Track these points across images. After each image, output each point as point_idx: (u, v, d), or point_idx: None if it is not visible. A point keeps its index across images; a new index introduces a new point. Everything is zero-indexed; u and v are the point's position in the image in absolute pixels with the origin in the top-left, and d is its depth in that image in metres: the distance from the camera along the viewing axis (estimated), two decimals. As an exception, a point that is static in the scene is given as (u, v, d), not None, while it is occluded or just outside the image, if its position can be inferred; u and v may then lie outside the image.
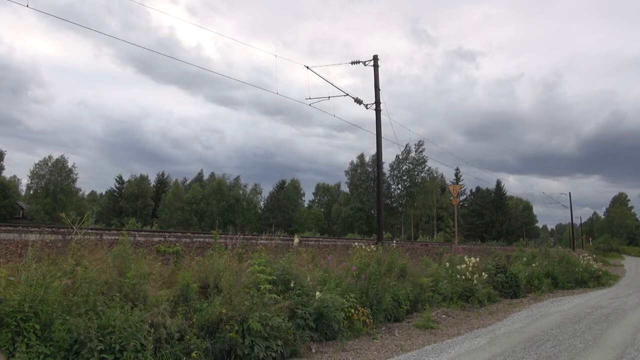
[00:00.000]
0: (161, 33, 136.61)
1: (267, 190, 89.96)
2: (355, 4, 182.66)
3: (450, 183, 75.56)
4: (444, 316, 10.63)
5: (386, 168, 71.19)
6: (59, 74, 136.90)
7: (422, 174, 71.23)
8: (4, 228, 9.45)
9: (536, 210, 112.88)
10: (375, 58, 16.87)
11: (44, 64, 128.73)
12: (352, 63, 17.04)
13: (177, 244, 9.97)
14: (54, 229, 10.10)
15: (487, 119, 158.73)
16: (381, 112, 16.70)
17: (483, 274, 13.46)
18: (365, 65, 16.95)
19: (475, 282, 12.96)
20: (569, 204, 56.61)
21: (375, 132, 16.71)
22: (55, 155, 70.51)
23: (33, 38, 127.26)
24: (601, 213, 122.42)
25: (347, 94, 16.90)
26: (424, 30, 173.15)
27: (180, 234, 14.17)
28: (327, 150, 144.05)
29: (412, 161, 70.86)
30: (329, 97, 17.09)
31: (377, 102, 16.72)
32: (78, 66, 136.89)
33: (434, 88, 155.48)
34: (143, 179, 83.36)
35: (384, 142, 16.98)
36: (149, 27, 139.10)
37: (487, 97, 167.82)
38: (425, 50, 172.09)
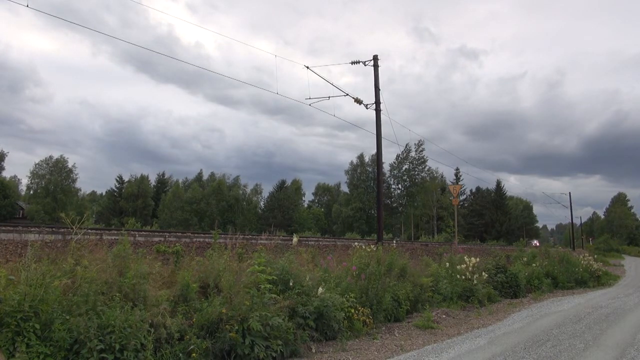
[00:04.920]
0: (160, 31, 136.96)
1: (267, 190, 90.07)
2: (357, 2, 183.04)
3: (450, 183, 75.56)
4: (444, 316, 10.62)
5: (386, 168, 71.30)
6: (57, 72, 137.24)
7: (422, 174, 71.32)
8: (4, 228, 9.45)
9: (536, 210, 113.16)
10: (375, 58, 16.86)
11: (41, 62, 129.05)
12: (352, 63, 17.04)
13: (177, 244, 9.96)
14: (53, 228, 10.09)
15: (488, 118, 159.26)
16: (381, 112, 16.71)
17: (483, 274, 13.45)
18: (365, 65, 16.95)
19: (475, 282, 12.95)
20: (569, 204, 56.58)
21: (375, 132, 16.72)
22: (55, 155, 70.68)
23: (30, 36, 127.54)
24: (602, 213, 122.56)
25: (347, 94, 16.91)
26: (427, 28, 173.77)
27: (180, 234, 14.16)
28: (328, 150, 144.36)
29: (412, 161, 70.91)
30: (329, 97, 17.11)
31: (377, 102, 16.72)
32: (76, 64, 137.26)
33: (436, 87, 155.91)
34: (143, 179, 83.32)
35: (384, 142, 17.00)
36: (147, 25, 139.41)
37: (489, 96, 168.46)
38: (427, 48, 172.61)
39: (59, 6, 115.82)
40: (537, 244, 48.70)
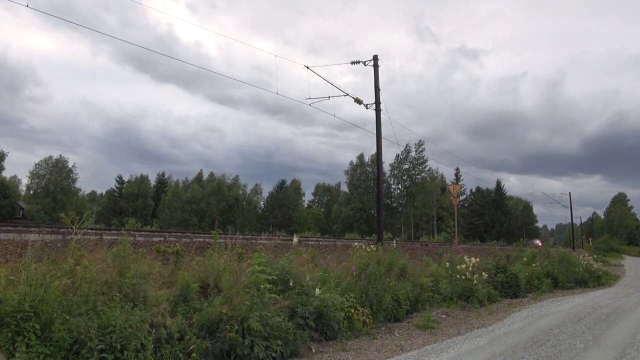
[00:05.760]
0: (160, 30, 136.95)
1: (267, 190, 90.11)
2: (358, 1, 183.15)
3: (451, 183, 75.52)
4: (444, 316, 10.62)
5: (386, 168, 71.26)
6: (56, 72, 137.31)
7: (423, 174, 71.27)
8: (4, 228, 9.44)
9: (536, 210, 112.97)
10: (375, 58, 16.86)
11: (41, 62, 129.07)
12: (352, 63, 17.03)
13: (177, 244, 9.95)
14: (53, 228, 10.08)
15: (489, 118, 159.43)
16: (381, 112, 16.70)
17: (483, 274, 13.45)
18: (365, 65, 16.95)
19: (475, 282, 12.95)
20: (569, 204, 56.51)
21: (375, 132, 16.71)
22: (54, 154, 70.67)
23: (30, 35, 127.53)
24: (602, 213, 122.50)
25: (347, 94, 16.90)
26: (427, 28, 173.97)
27: (180, 234, 14.14)
28: (328, 150, 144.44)
29: (412, 161, 70.89)
30: (329, 97, 17.09)
31: (377, 102, 16.71)
32: (76, 64, 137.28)
33: (437, 86, 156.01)
34: (143, 179, 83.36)
35: (384, 142, 16.99)
36: (147, 24, 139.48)
37: (490, 95, 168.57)
38: (428, 47, 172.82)
39: (59, 6, 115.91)
40: (540, 244, 48.41)
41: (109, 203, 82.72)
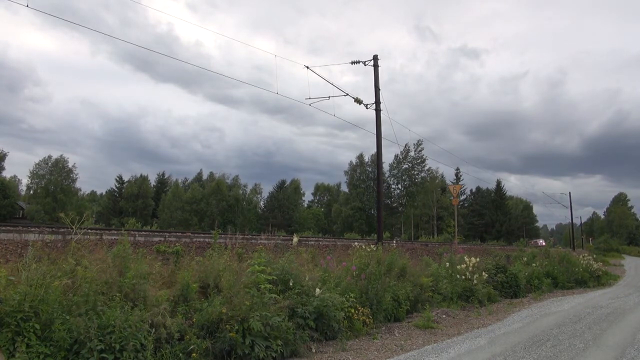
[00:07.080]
0: (160, 29, 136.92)
1: (267, 190, 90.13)
2: (359, 0, 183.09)
3: (451, 183, 75.47)
4: (444, 316, 10.62)
5: (386, 168, 71.28)
6: (56, 71, 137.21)
7: (422, 174, 71.30)
8: (4, 228, 9.43)
9: (536, 210, 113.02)
10: (375, 58, 16.86)
11: (40, 61, 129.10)
12: (352, 63, 17.03)
13: (177, 244, 9.95)
14: (54, 229, 10.07)
15: (490, 117, 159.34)
16: (381, 111, 16.70)
17: (483, 273, 13.44)
18: (365, 65, 16.95)
19: (475, 282, 12.95)
20: (569, 204, 56.46)
21: (375, 132, 16.71)
22: (54, 154, 70.65)
23: (29, 35, 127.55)
24: (602, 213, 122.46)
25: (347, 94, 16.90)
26: (428, 27, 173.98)
27: (180, 234, 14.13)
28: (328, 150, 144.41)
29: (411, 161, 70.89)
30: (329, 97, 17.08)
31: (377, 102, 16.71)
32: (75, 64, 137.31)
33: (437, 86, 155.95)
34: (144, 179, 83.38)
35: (384, 142, 16.99)
36: (147, 24, 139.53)
37: (491, 95, 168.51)
38: (428, 47, 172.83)
39: (59, 5, 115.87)
40: (543, 244, 48.20)
41: (109, 203, 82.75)
